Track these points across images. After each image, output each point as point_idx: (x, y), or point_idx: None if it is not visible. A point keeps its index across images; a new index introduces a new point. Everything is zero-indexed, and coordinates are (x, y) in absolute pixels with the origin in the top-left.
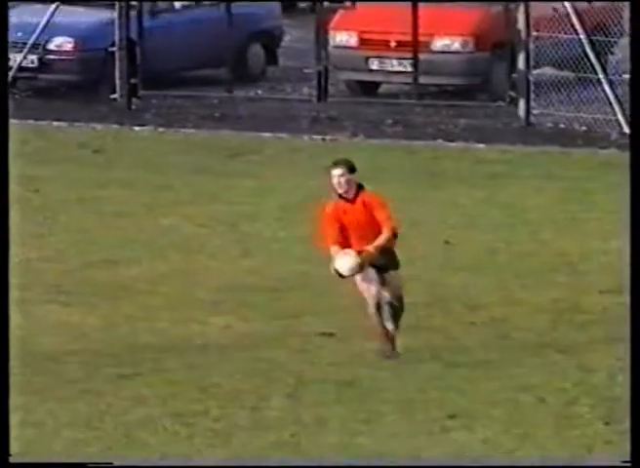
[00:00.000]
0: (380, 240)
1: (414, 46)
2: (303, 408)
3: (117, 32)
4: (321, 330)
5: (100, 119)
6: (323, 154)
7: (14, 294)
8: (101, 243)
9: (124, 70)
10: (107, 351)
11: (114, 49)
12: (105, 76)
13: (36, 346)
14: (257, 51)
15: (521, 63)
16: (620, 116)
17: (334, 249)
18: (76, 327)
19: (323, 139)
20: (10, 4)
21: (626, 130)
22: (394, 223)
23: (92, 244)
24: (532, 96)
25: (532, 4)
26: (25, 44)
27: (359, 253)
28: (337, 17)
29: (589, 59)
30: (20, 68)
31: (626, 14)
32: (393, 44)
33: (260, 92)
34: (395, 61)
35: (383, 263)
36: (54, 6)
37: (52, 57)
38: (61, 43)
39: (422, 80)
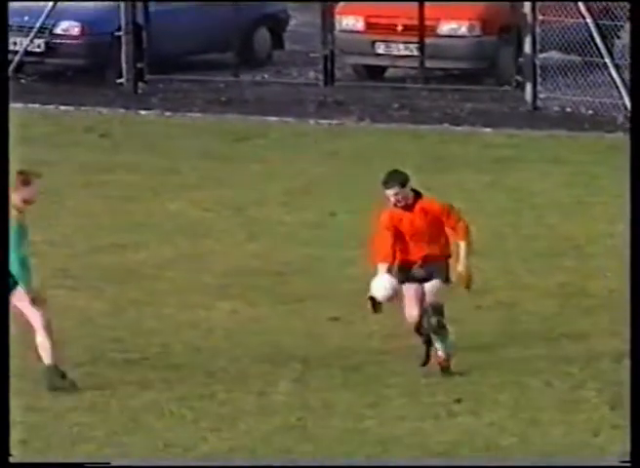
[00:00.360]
0: (464, 254)
1: (420, 30)
2: (310, 392)
3: (123, 16)
4: (327, 314)
5: (106, 103)
6: (329, 138)
7: None
8: (108, 227)
9: (130, 54)
10: (113, 335)
11: (121, 33)
12: (112, 60)
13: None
14: (263, 35)
15: (527, 47)
16: (626, 100)
17: (381, 266)
18: (82, 311)
19: (329, 124)
20: None
21: None
22: (464, 226)
23: (98, 228)
24: (538, 80)
25: None
26: (32, 28)
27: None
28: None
29: (596, 43)
30: (27, 52)
31: None
32: (400, 28)
33: (266, 76)
34: (402, 46)
35: (428, 274)
36: None
37: (58, 41)
38: (68, 27)
39: (429, 64)
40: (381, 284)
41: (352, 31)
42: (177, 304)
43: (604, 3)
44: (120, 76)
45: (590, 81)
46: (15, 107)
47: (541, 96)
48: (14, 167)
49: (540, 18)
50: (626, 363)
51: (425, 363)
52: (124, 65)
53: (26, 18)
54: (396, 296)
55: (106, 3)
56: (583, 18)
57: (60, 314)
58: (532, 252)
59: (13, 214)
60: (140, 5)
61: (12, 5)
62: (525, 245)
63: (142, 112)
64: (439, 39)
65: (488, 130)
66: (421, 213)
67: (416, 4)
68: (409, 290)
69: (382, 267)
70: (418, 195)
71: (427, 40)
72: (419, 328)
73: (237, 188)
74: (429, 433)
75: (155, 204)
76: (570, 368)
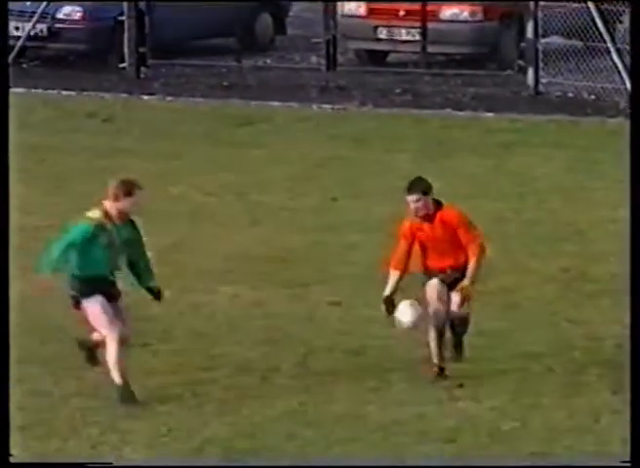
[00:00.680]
0: (472, 270)
1: (422, 15)
2: (311, 377)
3: (126, 1)
4: (329, 298)
5: (108, 88)
6: (332, 123)
7: (22, 264)
8: None
9: (133, 39)
10: None
11: (123, 18)
12: (114, 45)
13: (44, 316)
14: (265, 20)
15: (530, 32)
16: (628, 85)
17: (393, 272)
18: None
19: (332, 109)
20: None
21: None
22: (478, 244)
23: None
24: (540, 64)
25: None
26: (34, 13)
27: (404, 270)
28: None
29: (598, 28)
30: (29, 37)
31: None
32: (402, 13)
33: (268, 61)
34: (404, 31)
35: (455, 279)
36: None
37: (61, 25)
38: (70, 12)
39: (431, 49)
40: (409, 313)
41: (354, 16)
42: (179, 289)
43: None
44: (122, 61)
45: (592, 66)
46: (17, 92)
47: (544, 80)
48: (18, 155)
49: (542, 2)
50: (627, 347)
51: (441, 370)
52: (126, 50)
53: (29, 2)
54: (421, 322)
55: None
56: (585, 2)
57: (62, 299)
58: (534, 236)
59: (95, 215)
60: None
61: None
62: (527, 229)
63: (145, 97)
64: (441, 24)
65: (490, 114)
66: (440, 223)
67: None
68: (440, 286)
69: (394, 274)
70: (439, 205)
71: (430, 25)
72: (441, 330)
73: (240, 173)
74: (431, 418)
75: (158, 188)
76: (571, 352)
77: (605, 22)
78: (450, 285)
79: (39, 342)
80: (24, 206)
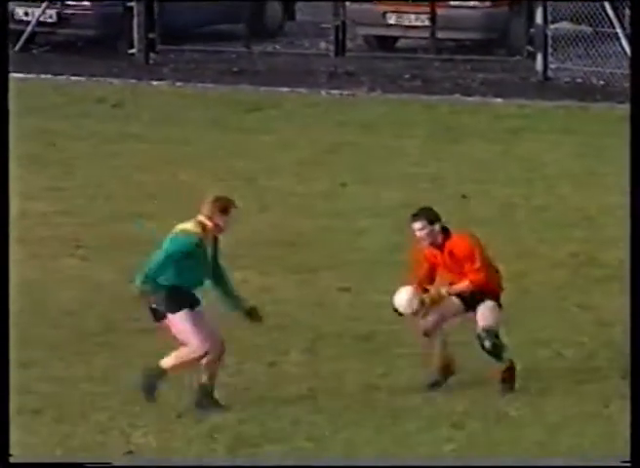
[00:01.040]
0: (456, 288)
1: (431, 0)
2: (320, 362)
3: None
4: (338, 284)
5: (118, 74)
6: (340, 109)
7: (32, 249)
8: (120, 197)
9: (142, 25)
10: (125, 305)
11: (132, 4)
12: (123, 31)
13: (54, 300)
14: (274, 6)
15: (539, 18)
16: None
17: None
18: (94, 281)
19: (341, 94)
20: None
21: None
22: (478, 276)
23: (110, 198)
24: (549, 50)
25: None
26: None
27: (425, 290)
28: None
29: (607, 14)
30: (39, 23)
31: None
32: None
33: (277, 46)
34: (413, 16)
35: (473, 297)
36: None
37: (70, 11)
38: None
39: (440, 35)
40: (404, 296)
41: (363, 2)
42: None
43: None
44: (132, 47)
45: (601, 51)
46: (26, 78)
47: (552, 66)
48: (27, 141)
49: None
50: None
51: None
52: (136, 36)
53: None
54: (420, 308)
55: None
56: None
57: (72, 283)
58: (542, 222)
59: (195, 229)
60: None
61: None
62: (536, 215)
63: (154, 83)
64: (450, 10)
65: (499, 100)
66: (449, 254)
67: None
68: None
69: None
70: (447, 234)
71: (439, 10)
72: (426, 333)
73: (249, 159)
74: (440, 403)
75: (167, 174)
76: (580, 337)
77: (614, 8)
78: (471, 303)
79: (49, 327)
80: (32, 191)
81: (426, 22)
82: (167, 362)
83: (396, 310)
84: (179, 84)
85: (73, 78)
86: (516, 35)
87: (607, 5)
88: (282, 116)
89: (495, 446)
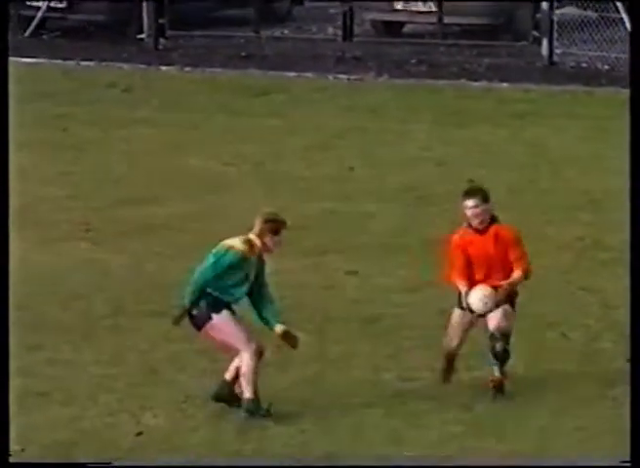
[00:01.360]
0: (514, 278)
1: None
2: (328, 344)
3: None
4: (346, 267)
5: (127, 59)
6: (348, 93)
7: (42, 233)
8: (129, 181)
9: (152, 10)
10: (134, 289)
11: None
12: (133, 16)
13: (63, 284)
14: None
15: (544, 3)
16: None
17: (460, 283)
18: (103, 264)
19: (348, 79)
20: None
21: None
22: (526, 264)
23: (120, 182)
24: (555, 35)
25: None
26: None
27: (494, 288)
28: None
29: None
30: (50, 9)
31: None
32: None
33: (285, 31)
34: (420, 2)
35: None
36: None
37: None
38: None
39: (447, 20)
40: (480, 295)
41: None
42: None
43: None
44: (141, 32)
45: (606, 36)
46: (37, 63)
47: (558, 51)
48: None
49: None
50: None
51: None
52: (145, 21)
53: None
54: (494, 307)
55: None
56: None
57: (82, 267)
58: (549, 205)
59: (241, 246)
60: None
61: None
62: (542, 199)
63: (163, 68)
64: None
65: (505, 85)
66: (494, 238)
67: None
68: (462, 317)
69: (462, 284)
70: (493, 219)
71: None
72: (450, 359)
73: (257, 143)
74: (447, 386)
75: (176, 158)
76: (586, 319)
77: None
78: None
79: (58, 310)
80: (43, 176)
81: (433, 8)
82: (242, 386)
83: (470, 309)
84: (187, 69)
85: (83, 63)
86: (522, 20)
87: None
88: (290, 101)
89: (501, 428)
